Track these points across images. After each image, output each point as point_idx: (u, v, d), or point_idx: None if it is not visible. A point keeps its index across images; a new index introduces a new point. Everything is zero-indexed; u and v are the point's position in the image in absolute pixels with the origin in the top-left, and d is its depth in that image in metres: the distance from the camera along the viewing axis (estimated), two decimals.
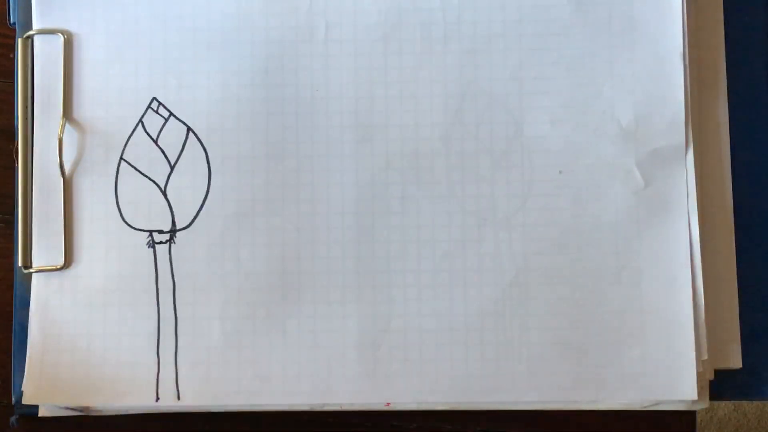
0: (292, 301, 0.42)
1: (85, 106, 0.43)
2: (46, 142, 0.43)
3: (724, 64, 0.43)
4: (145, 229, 0.42)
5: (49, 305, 0.42)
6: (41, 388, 0.41)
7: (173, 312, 0.42)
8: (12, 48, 0.44)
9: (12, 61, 0.44)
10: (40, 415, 0.42)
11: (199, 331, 0.42)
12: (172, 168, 0.42)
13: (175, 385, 0.41)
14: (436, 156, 0.42)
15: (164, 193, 0.42)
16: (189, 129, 0.43)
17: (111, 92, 0.43)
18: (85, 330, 0.42)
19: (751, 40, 0.44)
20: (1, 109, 0.44)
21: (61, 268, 0.42)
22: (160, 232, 0.42)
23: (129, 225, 0.42)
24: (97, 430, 0.43)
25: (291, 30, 0.43)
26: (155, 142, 0.43)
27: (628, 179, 0.41)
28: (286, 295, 0.42)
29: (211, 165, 0.42)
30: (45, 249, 0.42)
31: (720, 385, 0.42)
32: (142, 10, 0.43)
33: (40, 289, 0.42)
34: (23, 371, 0.42)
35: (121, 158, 0.43)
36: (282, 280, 0.42)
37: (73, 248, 0.42)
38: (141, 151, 0.43)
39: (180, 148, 0.42)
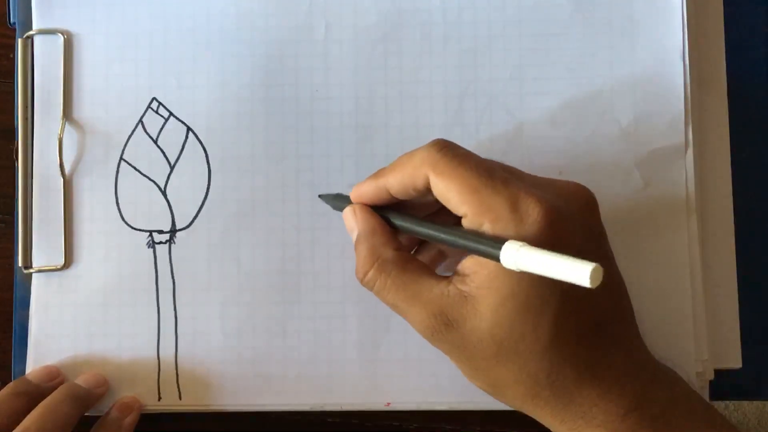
0: (292, 301, 0.42)
1: (85, 106, 0.43)
2: (46, 142, 0.43)
3: (724, 64, 0.43)
4: (145, 229, 0.42)
5: (49, 305, 0.42)
6: None
7: (173, 312, 0.42)
8: (12, 48, 0.44)
9: (12, 61, 0.44)
10: None
11: (199, 331, 0.42)
12: (172, 168, 0.42)
13: (176, 384, 0.41)
14: None
15: (164, 193, 0.42)
16: (189, 129, 0.42)
17: (111, 92, 0.43)
18: (85, 330, 0.42)
19: (751, 40, 0.44)
20: (1, 109, 0.44)
21: (61, 268, 0.42)
22: (160, 232, 0.42)
23: (129, 225, 0.42)
24: None
25: (291, 30, 0.43)
26: (155, 142, 0.43)
27: (628, 179, 0.41)
28: (286, 295, 0.42)
29: (211, 165, 0.42)
30: (45, 249, 0.42)
31: (720, 385, 0.42)
32: (142, 10, 0.43)
33: (40, 289, 0.42)
34: (23, 372, 0.42)
35: (121, 158, 0.43)
36: (282, 280, 0.42)
37: (73, 248, 0.42)
38: (141, 151, 0.43)
39: (180, 148, 0.42)
